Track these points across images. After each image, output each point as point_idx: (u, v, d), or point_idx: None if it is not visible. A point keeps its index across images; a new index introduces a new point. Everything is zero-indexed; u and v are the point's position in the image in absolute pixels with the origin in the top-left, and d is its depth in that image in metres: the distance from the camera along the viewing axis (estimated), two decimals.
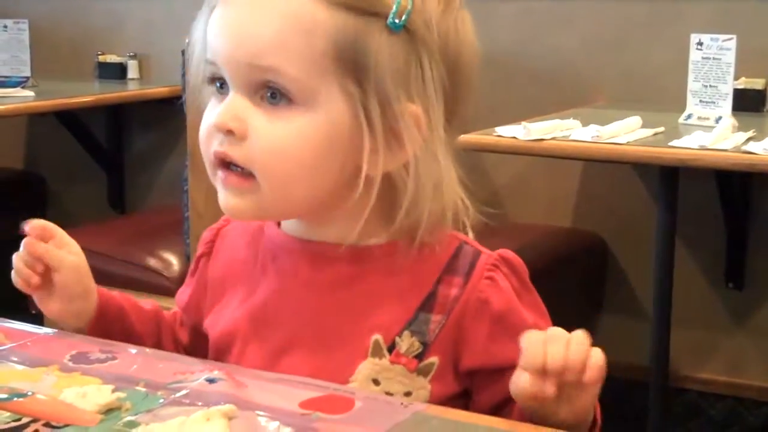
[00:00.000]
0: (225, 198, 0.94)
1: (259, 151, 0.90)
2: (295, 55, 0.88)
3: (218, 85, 0.94)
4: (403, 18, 0.89)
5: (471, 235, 0.97)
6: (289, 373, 0.90)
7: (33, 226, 1.00)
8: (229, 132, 0.90)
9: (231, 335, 1.00)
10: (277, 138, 0.90)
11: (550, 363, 0.81)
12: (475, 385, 0.97)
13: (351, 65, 0.89)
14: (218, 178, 0.94)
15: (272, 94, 0.90)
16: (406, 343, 0.94)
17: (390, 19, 0.89)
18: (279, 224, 1.01)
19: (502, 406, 0.94)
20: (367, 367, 0.93)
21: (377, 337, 0.94)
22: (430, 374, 0.94)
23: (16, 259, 1.00)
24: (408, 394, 0.93)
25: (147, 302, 1.10)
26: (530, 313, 0.96)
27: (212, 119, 0.92)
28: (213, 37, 0.93)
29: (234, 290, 1.03)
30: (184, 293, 1.09)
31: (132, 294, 1.10)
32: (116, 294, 1.06)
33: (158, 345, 1.07)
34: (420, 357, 0.94)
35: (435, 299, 0.95)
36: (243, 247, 1.04)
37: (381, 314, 0.94)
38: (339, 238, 0.96)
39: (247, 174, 0.91)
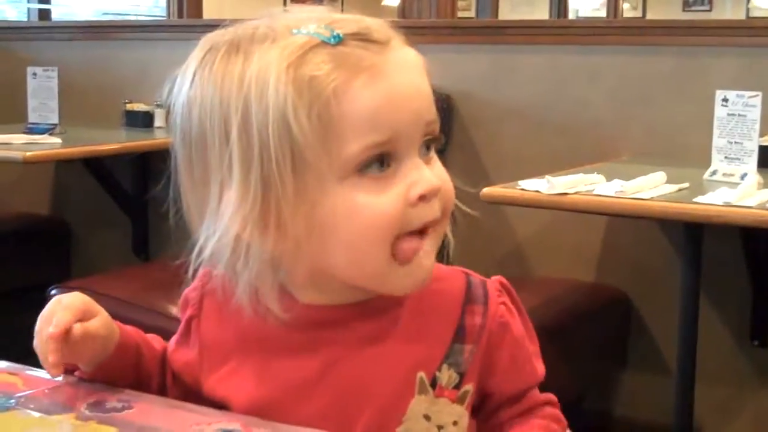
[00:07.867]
0: (427, 266, 0.92)
1: (449, 199, 0.93)
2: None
3: (379, 163, 0.89)
4: None
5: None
6: (345, 427, 0.92)
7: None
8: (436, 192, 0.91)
9: (269, 405, 0.95)
10: (450, 181, 0.94)
11: None
12: (485, 408, 1.00)
13: None
14: (424, 250, 0.91)
15: (428, 145, 0.92)
16: (446, 375, 0.96)
17: None
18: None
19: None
20: (417, 404, 0.95)
21: (421, 374, 0.95)
22: (466, 401, 0.97)
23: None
24: (456, 423, 0.96)
25: (155, 339, 1.07)
26: (528, 340, 1.01)
27: (424, 187, 0.89)
28: (389, 112, 0.88)
29: (247, 355, 0.98)
30: (179, 354, 1.04)
31: None
32: (130, 329, 1.03)
33: (162, 386, 1.04)
34: (458, 387, 0.96)
35: (464, 330, 0.97)
36: (245, 309, 0.95)
37: (419, 352, 0.96)
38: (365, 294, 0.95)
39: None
